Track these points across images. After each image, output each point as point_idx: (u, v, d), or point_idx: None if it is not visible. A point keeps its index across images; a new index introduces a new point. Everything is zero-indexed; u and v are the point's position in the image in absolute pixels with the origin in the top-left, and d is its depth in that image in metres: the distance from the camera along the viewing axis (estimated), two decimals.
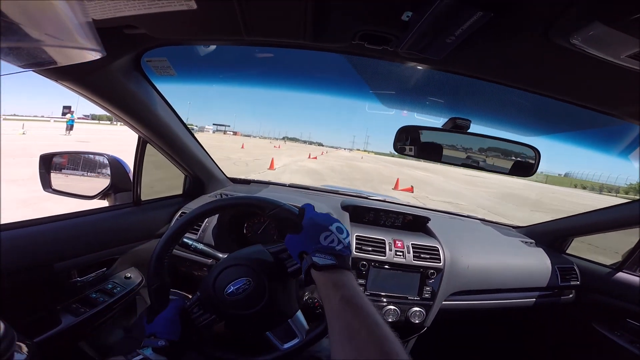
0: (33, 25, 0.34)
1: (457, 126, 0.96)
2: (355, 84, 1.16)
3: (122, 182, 1.28)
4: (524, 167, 1.00)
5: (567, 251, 1.83)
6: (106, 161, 1.28)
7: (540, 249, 1.73)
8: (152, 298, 0.80)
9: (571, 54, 0.58)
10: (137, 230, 1.28)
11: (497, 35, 0.60)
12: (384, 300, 1.35)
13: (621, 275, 1.60)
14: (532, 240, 1.81)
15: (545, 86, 0.81)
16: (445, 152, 1.00)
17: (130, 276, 1.25)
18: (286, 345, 0.83)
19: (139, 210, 1.30)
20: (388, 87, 1.13)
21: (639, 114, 0.81)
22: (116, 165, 1.28)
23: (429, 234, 1.58)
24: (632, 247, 1.58)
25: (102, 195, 1.27)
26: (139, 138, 1.21)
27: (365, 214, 1.66)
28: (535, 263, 1.64)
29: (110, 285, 1.17)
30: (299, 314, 0.86)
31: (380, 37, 0.66)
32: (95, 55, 0.44)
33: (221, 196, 1.57)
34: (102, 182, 1.27)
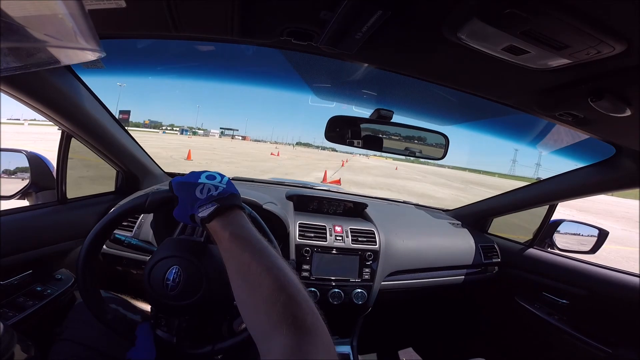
0: (33, 25, 0.34)
1: (381, 116, 1.05)
2: (296, 79, 1.21)
3: (45, 180, 1.19)
4: (436, 151, 1.14)
5: (489, 231, 2.03)
6: (25, 158, 1.18)
7: (466, 230, 1.92)
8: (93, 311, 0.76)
9: (462, 49, 0.65)
10: (64, 229, 1.21)
11: (398, 31, 0.66)
12: (329, 284, 1.43)
13: (532, 251, 1.79)
14: (459, 222, 2.00)
15: (447, 79, 0.90)
16: (370, 140, 1.10)
17: (61, 277, 1.18)
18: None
19: (65, 208, 1.23)
20: (327, 81, 1.20)
21: (528, 103, 0.92)
22: (37, 162, 1.19)
23: (367, 219, 1.69)
24: (539, 225, 1.78)
25: (22, 194, 1.17)
26: (62, 132, 1.14)
27: (309, 203, 1.73)
28: (461, 243, 1.81)
29: (39, 288, 1.09)
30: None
31: (304, 34, 0.69)
32: (95, 56, 0.43)
33: None
34: (21, 181, 1.17)
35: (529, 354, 1.75)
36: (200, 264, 0.76)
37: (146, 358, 0.73)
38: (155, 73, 1.32)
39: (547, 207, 1.72)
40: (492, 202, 1.98)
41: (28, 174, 1.17)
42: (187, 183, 0.67)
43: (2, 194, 1.15)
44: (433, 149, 1.13)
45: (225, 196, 0.64)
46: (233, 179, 1.96)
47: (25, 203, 1.19)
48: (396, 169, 41.13)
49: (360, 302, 1.45)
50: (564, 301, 1.56)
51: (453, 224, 1.96)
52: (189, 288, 0.75)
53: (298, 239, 1.45)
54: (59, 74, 0.95)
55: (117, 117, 1.27)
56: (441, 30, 0.61)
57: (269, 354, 0.43)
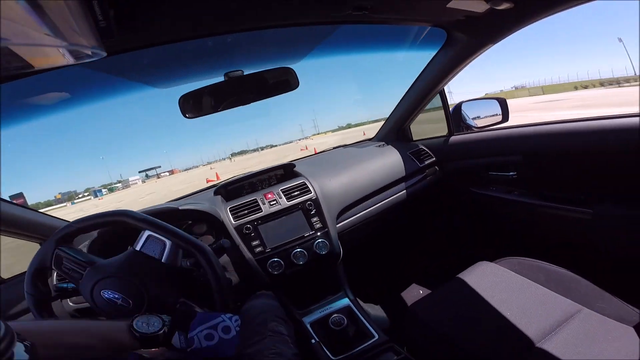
0: (33, 25, 0.34)
1: (230, 78, 1.13)
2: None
3: None
4: (288, 83, 1.24)
5: (414, 139, 2.15)
6: None
7: (390, 146, 2.02)
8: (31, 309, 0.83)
9: None
10: (11, 303, 1.22)
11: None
12: (287, 247, 1.45)
13: (455, 137, 1.91)
14: (383, 142, 2.10)
15: (240, 22, 0.94)
16: (225, 99, 1.18)
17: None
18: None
19: (5, 287, 1.25)
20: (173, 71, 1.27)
21: (317, 14, 0.99)
22: None
23: (297, 176, 1.72)
24: (444, 115, 1.92)
25: None
26: None
27: (241, 189, 1.72)
28: (390, 158, 1.90)
29: None
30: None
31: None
32: (97, 55, 0.45)
33: None
34: None
35: (515, 237, 1.80)
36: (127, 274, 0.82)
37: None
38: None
39: (439, 99, 1.86)
40: (396, 113, 2.09)
41: None
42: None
43: None
44: (285, 84, 1.23)
45: None
46: (169, 201, 1.98)
47: None
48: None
49: (325, 252, 1.46)
50: (512, 174, 1.61)
51: (378, 146, 2.05)
52: (135, 298, 0.80)
53: (234, 222, 1.45)
54: None
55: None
56: None
57: None
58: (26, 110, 1.23)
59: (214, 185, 2.01)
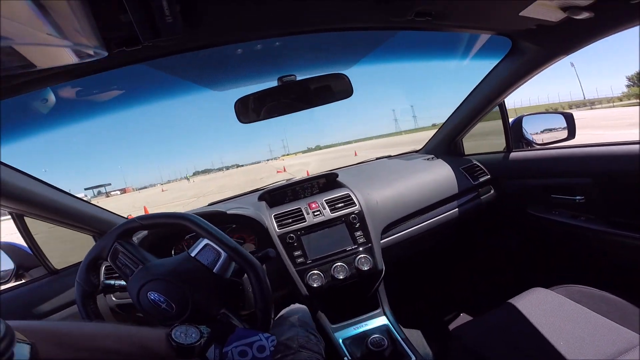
0: (33, 25, 0.35)
1: (284, 82, 1.11)
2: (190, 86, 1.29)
3: (29, 261, 1.28)
4: (342, 90, 1.19)
5: (466, 153, 2.02)
6: None
7: (440, 160, 1.91)
8: (77, 298, 0.85)
9: None
10: (60, 298, 1.26)
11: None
12: (328, 260, 1.41)
13: (514, 154, 1.74)
14: (432, 155, 1.99)
15: (292, 24, 0.91)
16: (282, 104, 1.16)
17: None
18: None
19: (58, 278, 1.30)
20: (225, 72, 1.27)
21: (378, 18, 0.93)
22: (11, 249, 1.29)
23: (341, 186, 1.68)
24: (503, 130, 1.76)
25: (15, 277, 1.27)
26: (11, 214, 1.18)
27: (283, 196, 1.73)
28: (441, 173, 1.79)
29: None
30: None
31: (128, 39, 0.70)
32: (97, 55, 0.46)
33: None
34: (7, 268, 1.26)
35: (579, 268, 1.65)
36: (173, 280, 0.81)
37: None
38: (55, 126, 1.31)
39: (499, 113, 1.73)
40: (448, 124, 1.97)
41: (10, 261, 1.26)
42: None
43: None
44: (339, 92, 1.19)
45: None
46: (209, 204, 2.02)
47: None
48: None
49: (367, 268, 1.41)
50: (579, 198, 1.46)
51: (427, 159, 1.96)
52: (179, 304, 0.80)
53: (278, 230, 1.45)
54: None
55: None
56: None
57: None
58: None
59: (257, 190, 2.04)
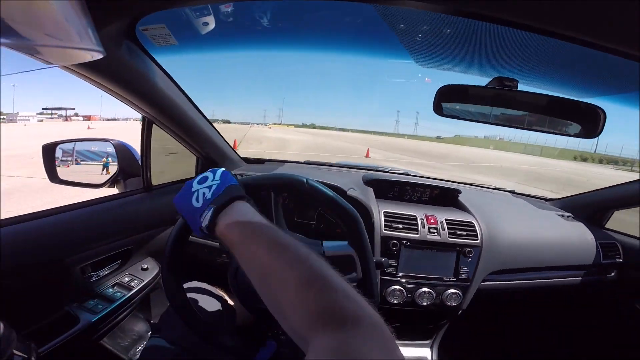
0: (33, 25, 0.34)
1: (504, 86, 0.85)
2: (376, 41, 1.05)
3: (131, 168, 1.24)
4: (588, 127, 0.87)
5: (607, 226, 1.74)
6: (112, 147, 1.23)
7: (580, 223, 1.64)
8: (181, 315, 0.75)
9: None
10: (150, 217, 1.24)
11: None
12: (418, 282, 1.30)
13: None
14: (570, 214, 1.72)
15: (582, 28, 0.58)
16: (493, 112, 0.90)
17: (147, 267, 1.22)
18: None
19: (151, 196, 1.26)
20: (416, 42, 1.01)
21: None
22: (123, 150, 1.24)
23: (462, 208, 1.50)
24: None
25: (111, 182, 1.23)
26: (144, 118, 1.14)
27: (389, 188, 1.58)
28: (576, 238, 1.56)
29: (127, 278, 1.14)
30: None
31: None
32: (95, 56, 0.44)
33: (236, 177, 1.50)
34: (110, 169, 1.24)
35: None
36: None
37: None
38: (231, 45, 1.21)
39: None
40: (615, 191, 1.69)
41: (116, 162, 1.22)
42: (183, 196, 0.62)
43: (95, 182, 1.21)
44: (585, 128, 0.87)
45: (221, 192, 0.58)
46: (305, 162, 1.94)
47: (115, 191, 1.23)
48: None
49: (453, 304, 1.30)
50: None
51: (563, 216, 1.70)
52: None
53: (384, 230, 1.31)
54: (136, 55, 0.90)
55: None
56: None
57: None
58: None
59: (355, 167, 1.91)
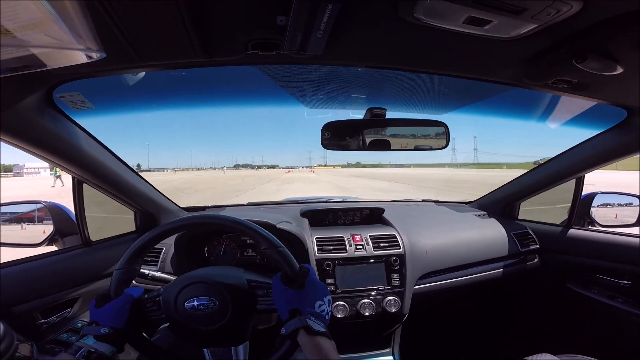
0: (33, 25, 0.35)
1: (374, 115, 1.07)
2: (281, 94, 1.26)
3: (67, 226, 1.30)
4: (438, 140, 1.14)
5: (519, 217, 1.96)
6: (44, 208, 1.30)
7: (493, 219, 1.86)
8: (113, 282, 0.82)
9: (426, 29, 0.64)
10: (92, 270, 1.29)
11: (357, 22, 0.67)
12: (357, 295, 1.41)
13: (573, 232, 1.71)
14: (485, 212, 1.95)
15: (425, 64, 0.88)
16: (370, 140, 1.12)
17: None
18: None
19: (91, 250, 1.32)
20: (316, 90, 1.24)
21: (516, 76, 0.91)
22: (56, 210, 1.31)
23: (386, 223, 1.67)
24: (571, 203, 1.70)
25: (49, 241, 1.28)
26: (73, 178, 1.22)
27: (324, 216, 1.74)
28: (491, 233, 1.76)
29: (80, 324, 1.19)
30: (246, 344, 0.91)
31: (269, 44, 0.70)
32: (95, 56, 0.46)
33: None
34: (46, 229, 1.28)
35: (598, 342, 1.65)
36: (232, 313, 0.80)
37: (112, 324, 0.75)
38: (146, 107, 1.38)
39: (574, 183, 1.66)
40: (515, 185, 1.93)
41: (51, 222, 1.28)
42: (320, 291, 0.77)
43: (31, 242, 1.26)
44: (434, 140, 1.14)
45: (327, 325, 0.74)
46: (247, 204, 2.05)
47: (53, 249, 1.29)
48: None
49: (394, 310, 1.41)
50: (625, 282, 1.48)
51: (479, 215, 1.92)
52: (207, 320, 0.80)
53: (317, 254, 1.45)
54: (58, 121, 0.99)
55: None
56: (397, 13, 0.62)
57: None
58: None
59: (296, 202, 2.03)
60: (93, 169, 1.19)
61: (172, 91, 1.23)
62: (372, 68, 0.88)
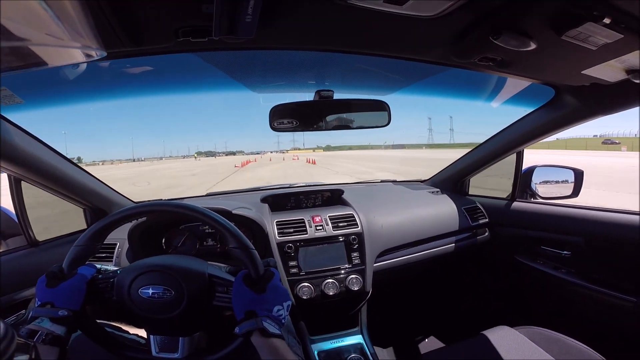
0: (33, 25, 0.35)
1: (322, 97, 1.11)
2: (230, 82, 1.27)
3: (9, 227, 1.24)
4: (381, 118, 1.21)
5: (470, 193, 2.08)
6: None
7: (445, 196, 1.97)
8: (69, 258, 0.79)
9: (354, 10, 0.65)
10: (42, 270, 1.20)
11: (284, 4, 0.67)
12: (321, 275, 1.46)
13: (517, 204, 1.82)
14: (438, 189, 2.05)
15: (357, 45, 0.90)
16: (317, 120, 1.15)
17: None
18: (161, 354, 0.82)
19: (38, 251, 1.26)
20: (269, 77, 1.26)
21: (445, 55, 0.94)
22: None
23: (345, 204, 1.73)
24: (514, 178, 1.81)
25: None
26: (9, 177, 1.15)
27: (286, 201, 1.77)
28: (443, 209, 1.85)
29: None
30: (194, 335, 0.86)
31: (200, 30, 0.69)
32: (95, 55, 0.45)
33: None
34: None
35: (547, 313, 1.75)
36: (187, 306, 0.78)
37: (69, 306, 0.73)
38: (82, 98, 1.32)
39: (515, 158, 1.77)
40: (462, 162, 2.03)
41: None
42: (280, 295, 0.79)
43: None
44: (377, 118, 1.20)
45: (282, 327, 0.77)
46: (207, 194, 2.02)
47: None
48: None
49: (356, 288, 1.46)
50: (566, 252, 1.57)
51: (432, 192, 2.01)
52: (159, 309, 0.77)
53: (278, 237, 1.47)
54: None
55: None
56: None
57: None
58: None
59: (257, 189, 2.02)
60: (29, 165, 1.12)
61: (113, 80, 1.19)
62: (308, 50, 0.90)
